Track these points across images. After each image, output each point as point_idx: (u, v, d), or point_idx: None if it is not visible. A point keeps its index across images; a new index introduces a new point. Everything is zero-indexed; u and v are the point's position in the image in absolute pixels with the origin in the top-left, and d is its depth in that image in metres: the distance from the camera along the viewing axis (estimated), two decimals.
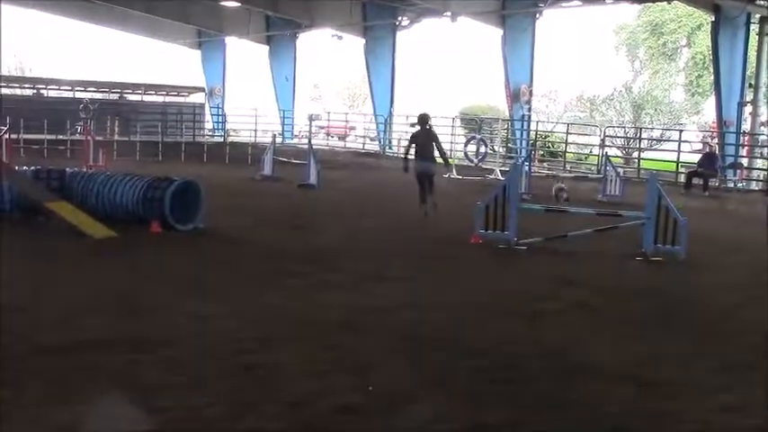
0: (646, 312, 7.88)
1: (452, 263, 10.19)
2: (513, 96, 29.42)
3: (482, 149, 27.52)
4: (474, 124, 32.51)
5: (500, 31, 29.39)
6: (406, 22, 34.26)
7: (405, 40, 35.95)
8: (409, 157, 15.31)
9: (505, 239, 11.09)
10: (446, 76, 60.15)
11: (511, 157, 28.54)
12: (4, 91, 36.32)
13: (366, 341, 6.37)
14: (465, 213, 12.88)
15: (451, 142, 30.54)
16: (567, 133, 30.30)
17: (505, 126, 30.71)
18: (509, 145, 30.66)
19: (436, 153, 15.25)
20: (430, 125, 15.78)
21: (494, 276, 9.53)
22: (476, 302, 7.96)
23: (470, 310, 7.61)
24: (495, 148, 28.56)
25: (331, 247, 10.85)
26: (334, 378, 5.43)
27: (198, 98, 40.62)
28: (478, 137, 28.29)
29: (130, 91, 39.45)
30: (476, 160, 27.06)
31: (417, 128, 15.62)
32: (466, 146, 28.25)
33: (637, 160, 29.00)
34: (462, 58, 57.49)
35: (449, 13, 30.54)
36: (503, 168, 24.91)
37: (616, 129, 36.19)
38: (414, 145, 15.43)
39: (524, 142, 29.63)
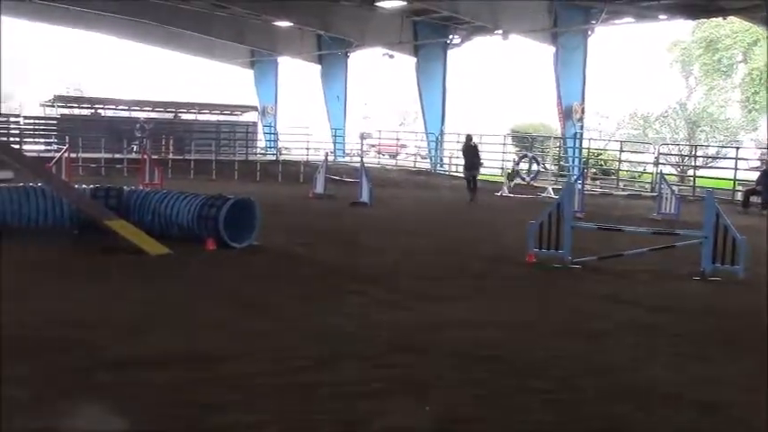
0: (703, 333, 7.73)
1: (507, 282, 10.12)
2: (565, 114, 29.24)
3: (534, 167, 27.38)
4: (526, 142, 32.37)
5: (552, 49, 29.26)
6: (457, 40, 34.31)
7: (456, 59, 35.93)
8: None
9: (560, 258, 10.99)
10: (497, 94, 59.93)
11: (563, 175, 28.34)
12: (64, 111, 37.16)
13: (422, 360, 6.34)
14: (518, 232, 12.80)
15: (503, 160, 30.46)
16: (621, 151, 29.98)
17: (557, 144, 30.54)
18: (561, 163, 30.45)
19: None
20: (474, 143, 22.90)
21: (549, 295, 9.43)
22: (531, 321, 7.88)
23: (526, 330, 7.54)
24: (547, 165, 28.38)
25: (385, 266, 10.85)
26: (391, 398, 5.41)
27: (251, 117, 41.09)
28: (530, 155, 28.16)
29: (185, 110, 40.06)
30: (528, 178, 26.91)
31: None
32: (518, 164, 28.12)
33: (692, 178, 28.57)
34: (514, 75, 57.27)
35: (500, 31, 30.51)
36: (555, 186, 24.72)
37: (670, 146, 35.71)
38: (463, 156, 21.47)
39: (576, 160, 29.40)
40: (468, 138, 23.19)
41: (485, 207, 21.09)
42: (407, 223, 16.71)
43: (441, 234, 14.82)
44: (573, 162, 29.44)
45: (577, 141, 29.52)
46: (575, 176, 23.31)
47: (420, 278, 10.06)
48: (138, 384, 5.46)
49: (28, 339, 6.44)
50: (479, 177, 23.50)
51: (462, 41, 34.26)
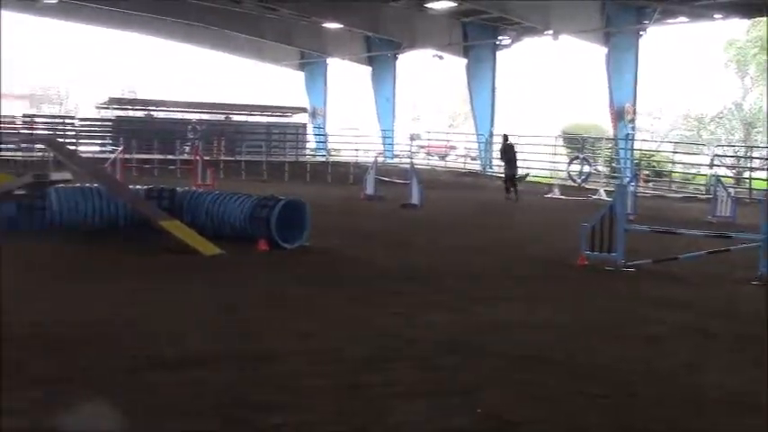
0: (761, 338, 7.56)
1: (559, 284, 10.03)
2: (617, 115, 28.90)
3: (585, 169, 27.11)
4: (577, 143, 32.07)
5: (603, 49, 28.95)
6: (506, 41, 34.13)
7: (506, 59, 35.73)
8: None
9: (612, 261, 10.85)
10: (548, 95, 59.46)
11: (615, 177, 28.00)
12: (118, 113, 37.80)
13: (472, 362, 6.30)
14: (569, 234, 12.68)
15: (553, 162, 30.22)
16: (674, 152, 29.54)
17: (609, 145, 30.17)
18: (613, 164, 30.09)
19: None
20: (511, 143, 24.00)
21: (601, 298, 9.30)
22: (583, 325, 7.80)
23: (578, 333, 7.46)
24: (599, 167, 28.07)
25: (436, 268, 10.82)
26: (441, 399, 5.38)
27: (301, 119, 41.35)
28: (582, 156, 27.88)
29: (236, 112, 40.46)
30: (579, 180, 26.65)
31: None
32: (569, 165, 27.86)
33: (748, 180, 28.02)
34: (564, 76, 56.80)
35: (550, 32, 30.28)
36: (607, 188, 24.44)
37: (725, 148, 35.08)
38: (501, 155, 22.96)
39: (629, 162, 29.03)
40: (505, 137, 24.20)
41: (535, 209, 20.95)
42: (457, 225, 16.66)
43: (491, 235, 14.74)
44: (625, 164, 29.07)
45: (629, 143, 29.16)
46: (627, 178, 23.03)
47: (470, 279, 10.02)
48: (189, 384, 5.51)
49: (83, 338, 6.56)
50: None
51: (512, 42, 34.07)
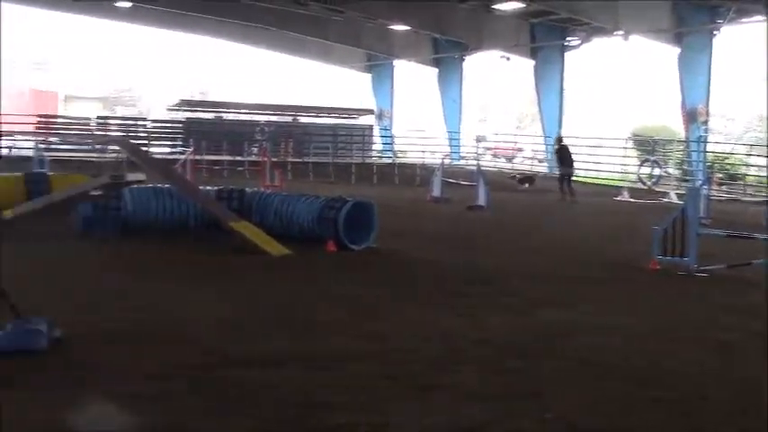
0: None
1: (629, 288, 9.87)
2: (689, 116, 28.31)
3: (656, 172, 26.64)
4: (647, 146, 31.54)
5: (675, 50, 28.40)
6: (575, 41, 33.73)
7: (574, 60, 35.31)
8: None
9: (685, 266, 10.63)
10: (617, 96, 58.62)
11: (686, 180, 27.45)
12: (188, 114, 38.48)
13: (540, 366, 6.25)
14: (640, 238, 12.48)
15: (623, 164, 29.79)
16: (749, 155, 28.82)
17: (681, 147, 29.59)
18: (684, 167, 29.50)
19: None
20: (565, 144, 24.34)
21: (672, 304, 9.13)
22: (653, 330, 7.66)
23: (648, 338, 7.33)
24: (670, 170, 27.55)
25: (503, 270, 10.76)
26: (509, 403, 5.35)
27: (367, 120, 41.52)
28: (652, 159, 27.42)
29: (304, 114, 40.82)
30: (649, 183, 26.21)
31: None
32: (639, 168, 27.43)
33: None
34: (634, 77, 55.91)
35: (620, 32, 29.83)
36: (678, 192, 23.97)
37: None
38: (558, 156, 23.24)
39: (701, 164, 28.41)
40: (560, 139, 24.95)
41: (604, 211, 20.67)
42: (525, 227, 16.55)
43: (559, 238, 14.59)
44: (697, 166, 28.46)
45: (702, 145, 28.53)
46: (700, 181, 22.54)
47: (538, 282, 9.93)
48: (259, 383, 5.58)
49: (154, 336, 6.70)
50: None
51: (581, 43, 33.65)
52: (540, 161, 38.18)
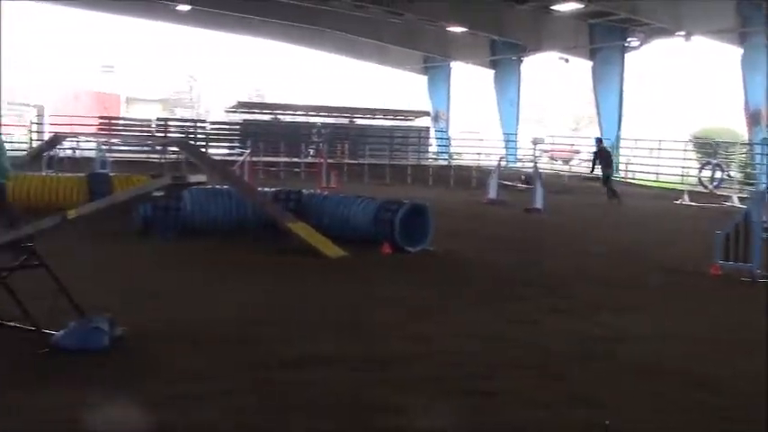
0: None
1: (689, 294, 9.69)
2: (753, 119, 27.64)
3: (717, 175, 26.12)
4: (709, 148, 30.94)
5: (739, 50, 27.79)
6: (635, 42, 33.22)
7: (634, 61, 34.77)
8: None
9: (748, 271, 10.39)
10: (678, 98, 57.60)
11: (750, 184, 26.85)
12: (246, 116, 38.88)
13: (596, 372, 6.18)
14: (701, 242, 12.26)
15: (683, 167, 29.27)
16: None
17: (743, 150, 28.95)
18: (748, 170, 28.86)
19: None
20: (605, 146, 24.58)
21: (734, 310, 8.93)
22: (713, 337, 7.51)
23: (707, 345, 7.19)
24: (732, 173, 26.99)
25: (559, 273, 10.66)
26: (564, 409, 5.30)
27: (423, 122, 41.46)
28: (714, 162, 26.88)
29: (360, 115, 40.93)
30: (710, 186, 25.70)
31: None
32: (700, 171, 26.91)
33: None
34: (696, 78, 54.83)
35: (682, 33, 29.30)
36: (741, 195, 23.46)
37: None
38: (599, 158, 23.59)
39: (765, 167, 27.75)
40: (599, 140, 25.55)
41: (664, 215, 20.32)
42: (582, 230, 16.36)
43: (617, 242, 14.38)
44: (761, 169, 27.80)
45: (766, 147, 27.87)
46: (764, 185, 22.05)
47: (596, 287, 9.82)
48: (312, 383, 5.61)
49: (213, 335, 6.78)
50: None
51: (641, 44, 33.11)
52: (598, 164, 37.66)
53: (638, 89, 41.24)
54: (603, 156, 24.21)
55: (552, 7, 31.59)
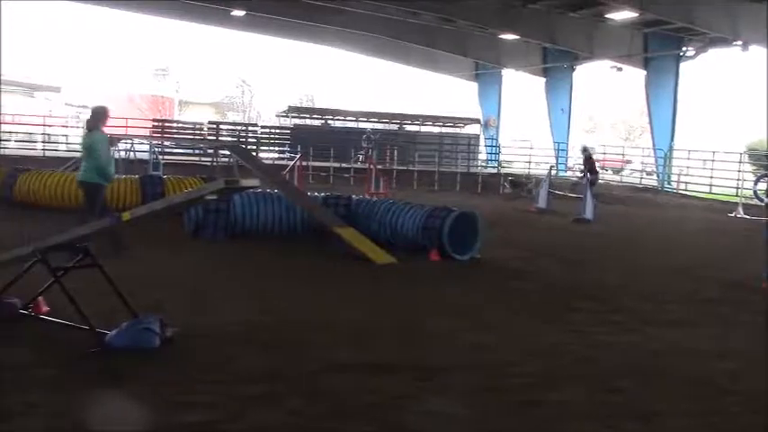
0: None
1: (743, 310, 9.45)
2: None
3: None
4: (765, 160, 30.36)
5: None
6: (690, 52, 32.76)
7: (689, 71, 34.25)
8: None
9: None
10: (734, 109, 56.67)
11: None
12: (296, 121, 39.15)
13: (652, 386, 6.07)
14: (754, 257, 12.01)
15: (738, 179, 28.73)
16: None
17: None
18: None
19: None
20: (589, 154, 23.40)
21: None
22: None
23: (762, 362, 7.02)
24: None
25: (611, 285, 10.52)
26: (619, 423, 5.21)
27: (473, 129, 41.34)
28: None
29: (409, 122, 40.94)
30: (766, 200, 25.20)
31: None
32: (755, 184, 26.41)
33: None
34: (753, 89, 53.95)
35: (739, 42, 28.81)
36: None
37: None
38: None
39: None
40: (585, 149, 25.20)
41: (718, 228, 19.97)
42: (632, 242, 16.13)
43: (669, 255, 14.15)
44: None
45: None
46: None
47: (646, 300, 9.66)
48: (360, 389, 5.61)
49: (260, 337, 6.82)
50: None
51: (696, 53, 32.63)
52: (649, 174, 37.23)
53: (692, 99, 40.66)
54: (590, 163, 24.22)
55: (606, 15, 31.29)
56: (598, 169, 25.08)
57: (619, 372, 6.40)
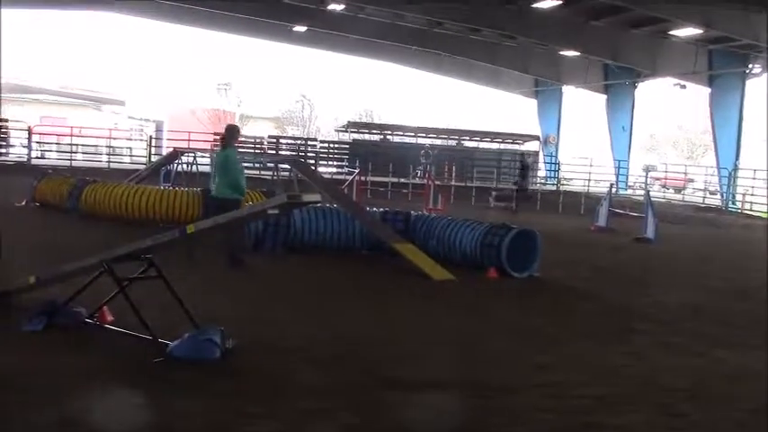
0: None
1: None
2: None
3: None
4: None
5: None
6: (757, 69, 32.13)
7: (756, 88, 33.58)
8: None
9: None
10: None
11: None
12: (355, 136, 39.36)
13: (715, 412, 5.94)
14: None
15: None
16: None
17: None
18: None
19: None
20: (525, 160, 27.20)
21: None
22: None
23: None
24: None
25: (671, 307, 10.32)
26: None
27: (532, 146, 41.10)
28: None
29: (467, 138, 40.85)
30: None
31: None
32: None
33: None
34: None
35: None
36: None
37: None
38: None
39: None
40: (522, 155, 28.23)
41: None
42: (695, 263, 15.82)
43: (733, 276, 13.85)
44: None
45: None
46: None
47: (711, 322, 9.45)
48: (421, 406, 5.59)
49: (318, 351, 6.85)
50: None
51: (762, 70, 32.01)
52: (712, 193, 36.54)
53: (758, 117, 39.82)
54: (527, 171, 26.30)
55: (670, 32, 30.88)
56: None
57: (682, 396, 6.27)
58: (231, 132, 11.45)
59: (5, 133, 33.37)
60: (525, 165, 28.50)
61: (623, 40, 33.78)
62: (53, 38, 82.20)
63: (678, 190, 41.11)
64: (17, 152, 33.07)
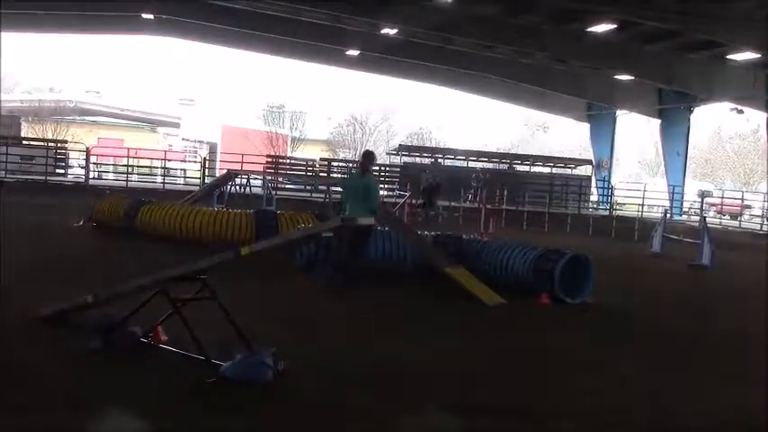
0: None
1: None
2: None
3: None
4: None
5: None
6: None
7: None
8: None
9: None
10: None
11: None
12: (406, 159, 39.44)
13: None
14: None
15: None
16: None
17: None
18: None
19: None
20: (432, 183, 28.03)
21: None
22: None
23: None
24: None
25: (728, 336, 10.11)
26: None
27: (584, 170, 40.74)
28: None
29: (519, 162, 40.65)
30: None
31: None
32: None
33: None
34: None
35: None
36: None
37: None
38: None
39: None
40: (429, 176, 28.61)
41: None
42: (753, 291, 15.45)
43: None
44: None
45: None
46: None
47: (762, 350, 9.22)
48: (468, 431, 5.55)
49: (367, 374, 6.84)
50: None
51: None
52: None
53: None
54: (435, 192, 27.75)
55: (728, 56, 30.44)
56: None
57: (739, 430, 6.13)
58: (370, 158, 12.06)
59: (65, 154, 34.16)
60: (434, 185, 28.86)
61: (678, 65, 33.37)
62: (112, 61, 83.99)
63: (734, 216, 40.31)
64: (75, 173, 33.83)
